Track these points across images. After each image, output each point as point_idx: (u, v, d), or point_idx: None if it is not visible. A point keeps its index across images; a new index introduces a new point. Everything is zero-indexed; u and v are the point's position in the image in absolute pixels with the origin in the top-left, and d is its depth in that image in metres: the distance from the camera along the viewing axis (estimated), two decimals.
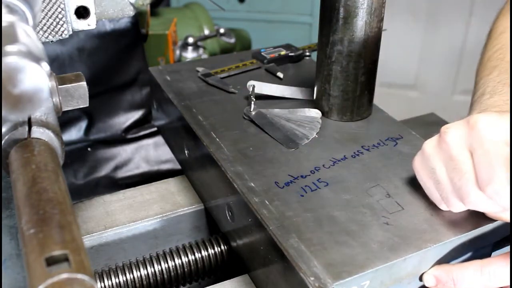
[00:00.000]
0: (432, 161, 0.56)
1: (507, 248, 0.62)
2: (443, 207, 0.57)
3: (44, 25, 0.55)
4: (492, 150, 0.50)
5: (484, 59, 0.76)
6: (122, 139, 1.33)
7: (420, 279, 0.56)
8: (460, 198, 0.54)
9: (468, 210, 0.56)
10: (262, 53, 0.92)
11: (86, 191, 1.23)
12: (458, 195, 0.53)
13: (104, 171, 1.29)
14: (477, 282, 0.53)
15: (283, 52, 0.93)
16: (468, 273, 0.53)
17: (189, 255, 0.70)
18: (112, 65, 1.30)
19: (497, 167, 0.49)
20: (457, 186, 0.53)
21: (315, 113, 0.76)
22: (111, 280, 0.66)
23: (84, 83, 0.52)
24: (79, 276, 0.33)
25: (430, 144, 0.56)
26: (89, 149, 1.30)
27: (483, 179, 0.50)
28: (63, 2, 0.54)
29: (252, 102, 0.75)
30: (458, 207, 0.55)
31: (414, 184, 0.62)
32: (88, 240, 0.71)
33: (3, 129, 0.47)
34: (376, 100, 0.78)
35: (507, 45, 0.74)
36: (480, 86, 0.70)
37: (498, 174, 0.49)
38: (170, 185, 0.82)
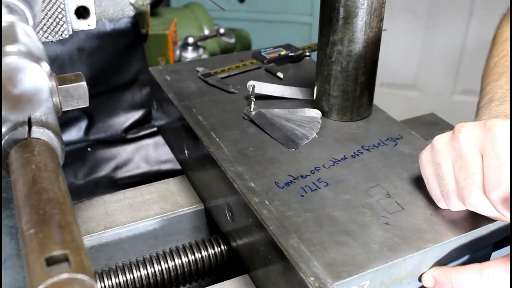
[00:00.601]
0: (440, 156, 0.55)
1: (507, 249, 0.62)
2: (441, 205, 0.57)
3: (44, 25, 0.55)
4: (505, 155, 0.50)
5: (490, 64, 0.76)
6: (122, 139, 1.33)
7: (420, 279, 0.56)
8: (461, 198, 0.54)
9: (468, 210, 0.56)
10: (262, 53, 0.92)
11: (86, 191, 1.23)
12: (460, 195, 0.53)
13: (104, 171, 1.29)
14: (476, 285, 0.53)
15: (283, 52, 0.93)
16: (467, 276, 0.53)
17: (189, 255, 0.70)
18: (112, 65, 1.30)
19: (507, 173, 0.49)
20: (461, 186, 0.53)
21: (315, 113, 0.76)
22: (111, 280, 0.66)
23: (84, 83, 0.52)
24: (79, 276, 0.33)
25: (441, 140, 0.56)
26: (89, 149, 1.30)
27: (490, 183, 0.50)
28: (63, 2, 0.54)
29: (252, 102, 0.75)
30: (457, 206, 0.55)
31: (414, 184, 0.62)
32: (88, 240, 0.71)
33: (3, 129, 0.47)
34: (376, 100, 0.78)
35: None
36: (488, 91, 0.70)
37: (506, 180, 0.49)
38: (170, 185, 0.82)
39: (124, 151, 1.32)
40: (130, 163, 1.32)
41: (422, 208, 0.58)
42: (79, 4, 0.56)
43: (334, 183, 0.62)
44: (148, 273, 0.68)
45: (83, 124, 1.30)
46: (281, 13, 2.25)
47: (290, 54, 0.93)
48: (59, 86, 0.51)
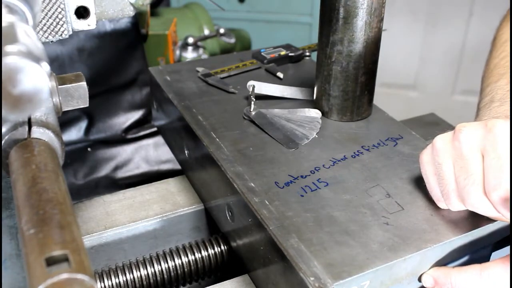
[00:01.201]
0: (440, 156, 0.55)
1: (507, 249, 0.62)
2: (441, 205, 0.57)
3: (44, 25, 0.55)
4: (505, 156, 0.50)
5: (490, 66, 0.76)
6: (122, 139, 1.33)
7: (420, 279, 0.56)
8: (461, 198, 0.54)
9: (468, 210, 0.56)
10: (262, 53, 0.92)
11: (86, 191, 1.23)
12: (460, 195, 0.53)
13: (104, 171, 1.29)
14: (476, 285, 0.53)
15: (283, 52, 0.93)
16: (467, 276, 0.53)
17: (189, 255, 0.70)
18: (112, 65, 1.31)
19: (507, 174, 0.49)
20: (461, 186, 0.53)
21: (315, 113, 0.76)
22: (111, 280, 0.66)
23: (84, 83, 0.52)
24: (79, 276, 0.33)
25: (442, 139, 0.56)
26: (89, 149, 1.30)
27: (491, 183, 0.50)
28: (63, 2, 0.54)
29: (252, 102, 0.75)
30: (456, 206, 0.55)
31: (414, 184, 0.62)
32: (88, 240, 0.71)
33: (3, 129, 0.47)
34: (376, 100, 0.78)
35: None
36: (488, 92, 0.70)
37: (507, 180, 0.49)
38: (170, 185, 0.82)
39: (124, 151, 1.32)
40: (130, 163, 1.32)
41: (422, 208, 0.58)
42: (79, 4, 0.56)
43: (334, 183, 0.62)
44: (148, 273, 0.68)
45: (83, 124, 1.31)
46: (281, 13, 2.26)
47: (290, 54, 0.93)
48: (59, 86, 0.51)
